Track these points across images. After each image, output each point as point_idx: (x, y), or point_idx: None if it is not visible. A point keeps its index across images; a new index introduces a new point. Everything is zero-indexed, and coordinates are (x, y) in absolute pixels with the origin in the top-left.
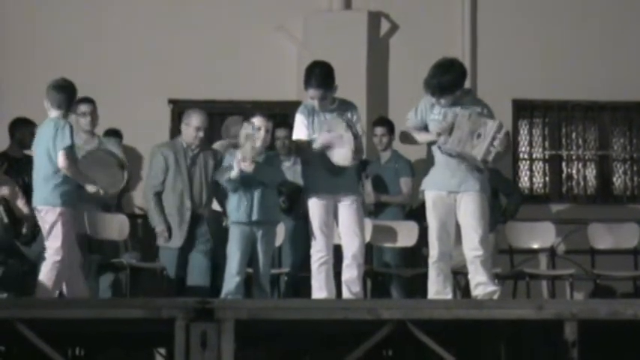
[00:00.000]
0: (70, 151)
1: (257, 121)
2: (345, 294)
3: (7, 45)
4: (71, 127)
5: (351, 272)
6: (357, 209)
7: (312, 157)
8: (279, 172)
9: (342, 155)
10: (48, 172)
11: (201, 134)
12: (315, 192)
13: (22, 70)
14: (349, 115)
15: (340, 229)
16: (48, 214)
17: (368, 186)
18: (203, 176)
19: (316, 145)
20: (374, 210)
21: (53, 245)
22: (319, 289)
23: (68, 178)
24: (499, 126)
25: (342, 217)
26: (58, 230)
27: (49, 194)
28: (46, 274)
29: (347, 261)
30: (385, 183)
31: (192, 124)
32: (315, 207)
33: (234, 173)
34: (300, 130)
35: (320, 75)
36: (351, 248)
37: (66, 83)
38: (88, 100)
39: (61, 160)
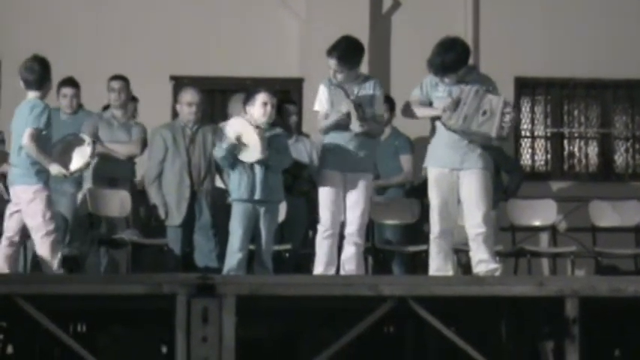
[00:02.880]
0: (37, 133)
1: (262, 97)
2: (341, 272)
3: (7, 20)
4: (45, 109)
5: (347, 250)
6: (365, 187)
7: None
8: (285, 156)
9: (351, 125)
10: (24, 152)
11: (194, 110)
12: (327, 167)
13: (23, 46)
14: (371, 91)
15: (347, 205)
16: (25, 192)
17: None
18: (202, 153)
19: (327, 124)
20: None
21: (33, 223)
22: (319, 263)
23: None
24: (505, 102)
25: (350, 194)
26: (36, 207)
27: (26, 173)
28: (41, 250)
29: (345, 238)
30: (385, 160)
31: (184, 101)
32: (325, 181)
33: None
34: (321, 103)
35: (344, 48)
36: (351, 226)
37: (35, 63)
38: (118, 78)
39: (25, 138)
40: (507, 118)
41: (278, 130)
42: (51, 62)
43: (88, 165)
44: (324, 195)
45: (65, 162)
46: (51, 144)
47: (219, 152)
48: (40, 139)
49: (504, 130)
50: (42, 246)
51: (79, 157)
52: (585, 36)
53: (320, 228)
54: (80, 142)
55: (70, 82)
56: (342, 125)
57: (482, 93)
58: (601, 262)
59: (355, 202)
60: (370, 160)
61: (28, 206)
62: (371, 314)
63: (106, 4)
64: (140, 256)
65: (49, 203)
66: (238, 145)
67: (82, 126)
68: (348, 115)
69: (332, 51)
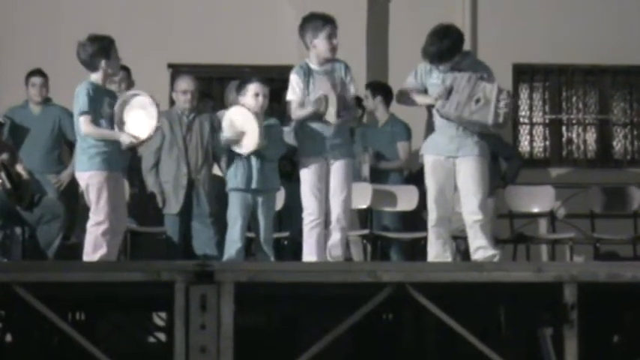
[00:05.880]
0: (89, 118)
1: (253, 87)
2: (327, 257)
3: (6, 5)
4: (84, 89)
5: (333, 236)
6: (346, 172)
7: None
8: (281, 145)
9: (328, 113)
10: (78, 138)
11: (189, 97)
12: (307, 155)
13: (21, 30)
14: (342, 74)
15: (330, 191)
16: (81, 179)
17: (367, 158)
18: (199, 141)
19: (305, 112)
20: (373, 176)
21: (91, 209)
22: (309, 253)
23: (98, 141)
24: (499, 89)
25: (333, 180)
26: (92, 195)
27: (79, 159)
28: (87, 238)
29: (331, 224)
30: (382, 146)
31: (179, 89)
32: (306, 170)
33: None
34: (294, 92)
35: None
36: (335, 211)
37: (87, 42)
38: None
39: (82, 127)
40: (502, 104)
41: (272, 120)
42: (46, 52)
43: (157, 129)
44: (309, 183)
45: (134, 127)
46: (107, 114)
47: (223, 142)
48: (96, 119)
49: (500, 117)
50: (87, 236)
51: (146, 120)
52: (583, 22)
53: (308, 217)
54: (141, 99)
55: (39, 72)
56: (317, 115)
57: (474, 80)
58: (600, 248)
59: (339, 187)
60: (349, 145)
61: (86, 193)
62: (369, 300)
63: None
64: (138, 245)
65: (103, 190)
66: (234, 140)
67: (52, 119)
68: (325, 102)
69: (325, 17)
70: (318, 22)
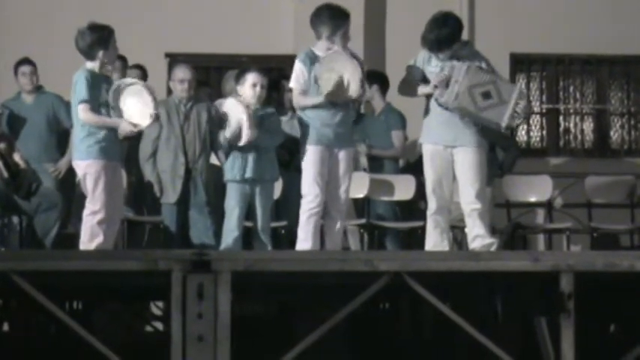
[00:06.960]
0: (87, 105)
1: (251, 77)
2: (326, 247)
3: None
4: (82, 76)
5: (333, 226)
6: (348, 162)
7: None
8: (278, 135)
9: (350, 89)
10: (76, 126)
11: (186, 86)
12: (311, 142)
13: (16, 24)
14: None
15: (328, 180)
16: (78, 168)
17: (362, 148)
18: (197, 130)
19: (310, 102)
20: (369, 166)
21: (88, 198)
22: (304, 240)
23: (96, 130)
24: (520, 92)
25: (335, 170)
26: (88, 184)
27: (77, 148)
28: (83, 227)
29: (329, 214)
30: (377, 135)
31: (176, 78)
32: (311, 157)
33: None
34: (297, 80)
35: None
36: (337, 202)
37: (86, 30)
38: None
39: (81, 115)
40: (519, 108)
41: (270, 110)
42: (43, 40)
43: (156, 117)
44: (312, 171)
45: (132, 114)
46: (105, 101)
47: (223, 141)
48: (94, 107)
49: (515, 120)
50: (83, 225)
51: (142, 107)
52: (581, 12)
53: (307, 205)
54: (135, 87)
55: (27, 61)
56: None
57: (474, 71)
58: (597, 237)
59: (342, 177)
60: (351, 134)
61: (83, 182)
62: (366, 290)
63: None
64: (135, 234)
65: (100, 179)
66: (234, 139)
67: (46, 107)
68: (340, 85)
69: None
70: (337, 18)
